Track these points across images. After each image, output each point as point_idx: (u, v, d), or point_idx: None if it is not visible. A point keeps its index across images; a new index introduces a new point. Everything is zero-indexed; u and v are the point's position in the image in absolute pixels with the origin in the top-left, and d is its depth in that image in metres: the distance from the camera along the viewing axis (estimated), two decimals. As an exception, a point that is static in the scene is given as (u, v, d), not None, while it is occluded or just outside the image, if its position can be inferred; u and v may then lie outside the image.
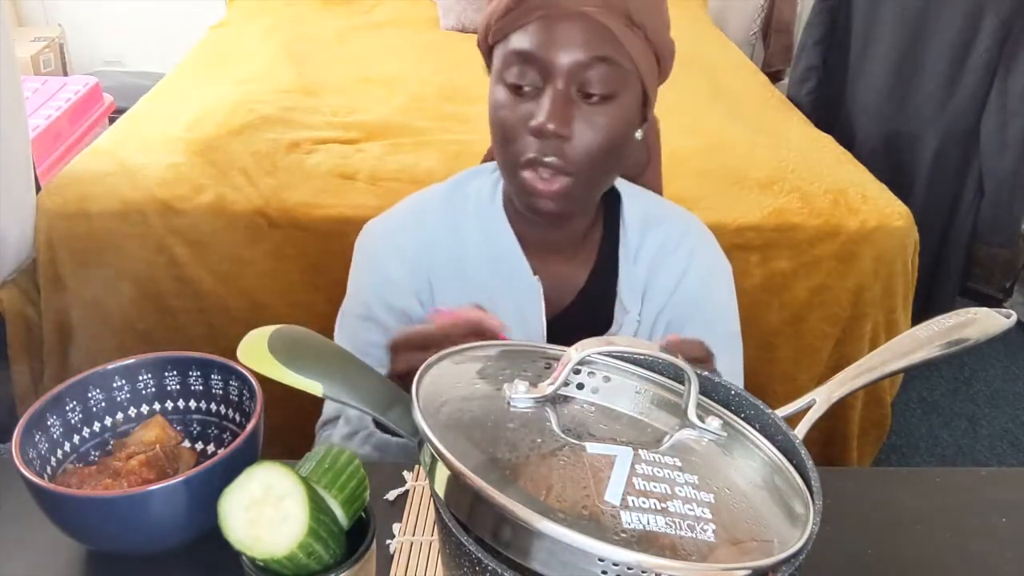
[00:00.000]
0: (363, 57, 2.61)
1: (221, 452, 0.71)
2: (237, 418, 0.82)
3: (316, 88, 2.33)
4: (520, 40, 0.83)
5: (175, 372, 0.82)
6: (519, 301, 0.95)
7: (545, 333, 0.96)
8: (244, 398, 0.80)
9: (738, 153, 2.07)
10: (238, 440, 0.71)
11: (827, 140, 2.22)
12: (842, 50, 2.66)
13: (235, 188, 1.76)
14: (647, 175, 1.08)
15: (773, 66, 3.37)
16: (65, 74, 3.30)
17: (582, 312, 0.98)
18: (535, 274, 0.95)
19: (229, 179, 1.80)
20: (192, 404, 0.83)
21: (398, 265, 0.97)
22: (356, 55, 2.63)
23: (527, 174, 0.85)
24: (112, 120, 2.48)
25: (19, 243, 1.65)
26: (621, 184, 1.01)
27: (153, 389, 0.82)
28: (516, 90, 0.84)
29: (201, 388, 0.83)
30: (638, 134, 0.91)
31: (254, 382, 0.77)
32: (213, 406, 0.83)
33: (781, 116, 2.38)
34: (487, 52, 0.91)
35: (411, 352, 0.76)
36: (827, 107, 2.69)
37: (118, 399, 0.81)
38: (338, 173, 1.86)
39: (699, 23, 3.19)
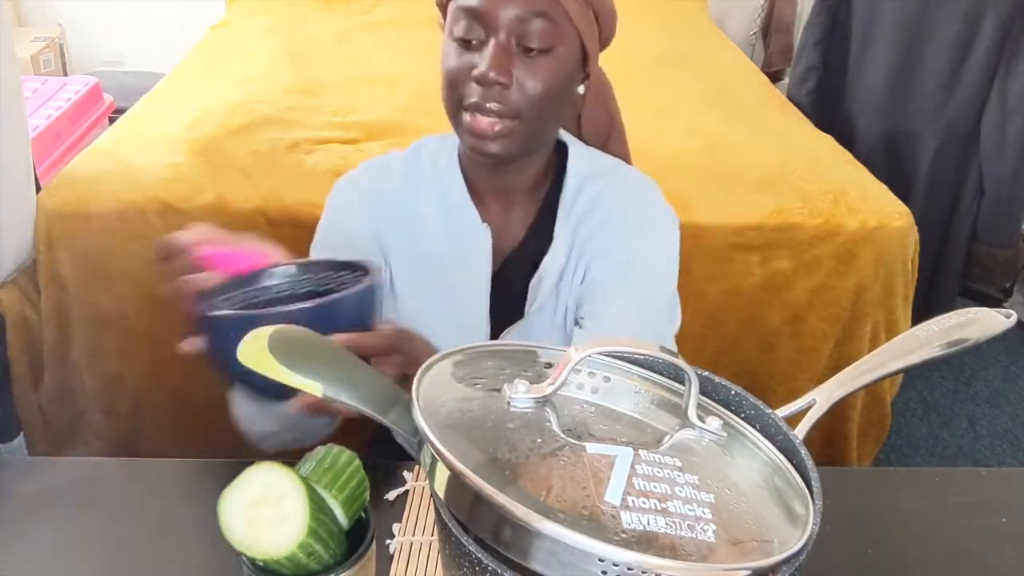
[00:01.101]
0: (363, 57, 2.61)
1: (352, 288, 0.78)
2: None
3: (316, 88, 2.33)
4: None
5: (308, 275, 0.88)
6: (467, 248, 1.01)
7: (489, 279, 1.01)
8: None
9: (738, 153, 2.07)
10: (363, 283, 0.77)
11: (827, 140, 2.22)
12: (842, 50, 2.65)
13: (235, 188, 1.76)
14: (612, 143, 1.13)
15: (773, 66, 3.37)
16: (65, 74, 3.30)
17: (522, 260, 1.03)
18: (484, 222, 1.01)
19: (229, 179, 1.79)
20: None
21: (354, 199, 1.06)
22: (356, 55, 2.63)
23: (469, 116, 0.92)
24: (112, 120, 2.48)
25: (19, 243, 1.65)
26: (572, 141, 1.06)
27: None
28: (463, 43, 0.92)
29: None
30: (580, 89, 0.99)
31: (369, 265, 0.83)
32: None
33: (781, 116, 2.38)
34: (443, 11, 0.98)
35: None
36: (827, 107, 2.69)
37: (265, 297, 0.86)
38: (338, 173, 1.84)
39: (699, 23, 3.19)
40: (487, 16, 0.89)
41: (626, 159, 1.14)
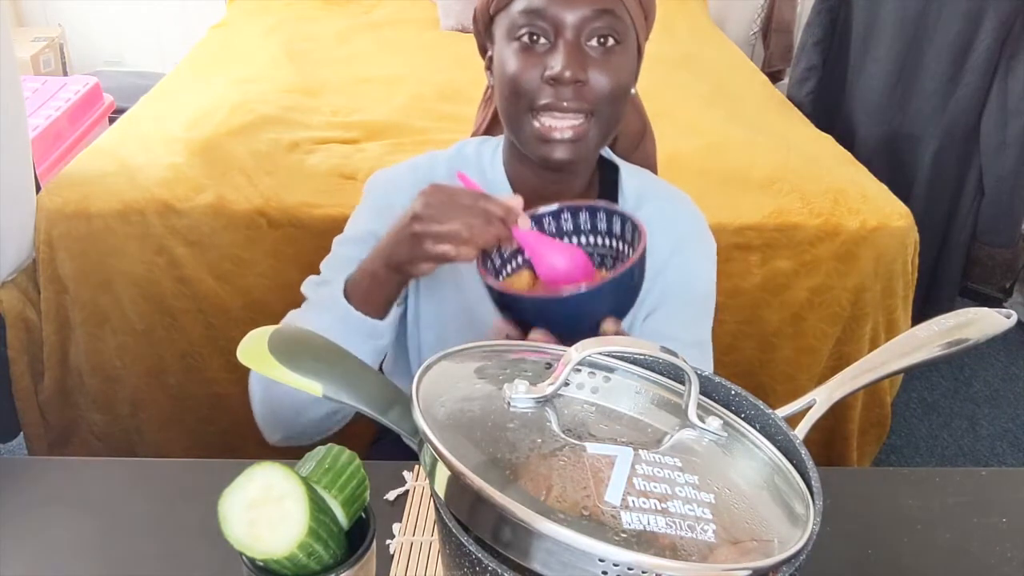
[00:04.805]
0: (363, 57, 2.61)
1: (619, 267, 0.80)
2: (626, 249, 0.85)
3: (316, 88, 2.33)
4: (530, 0, 0.89)
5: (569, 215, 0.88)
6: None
7: None
8: (626, 231, 0.84)
9: (738, 153, 2.07)
10: (633, 257, 0.77)
11: (827, 140, 2.22)
12: (842, 50, 2.66)
13: (235, 188, 1.76)
14: (644, 146, 1.13)
15: (773, 66, 3.37)
16: (65, 74, 3.30)
17: None
18: None
19: (229, 179, 1.79)
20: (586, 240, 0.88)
21: (396, 197, 1.01)
22: (356, 55, 2.63)
23: (541, 120, 0.91)
24: (112, 120, 2.48)
25: (19, 243, 1.65)
26: (617, 159, 1.06)
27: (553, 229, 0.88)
28: (528, 47, 0.90)
29: (590, 227, 0.87)
30: (633, 89, 0.99)
31: (637, 220, 0.82)
32: (602, 240, 0.87)
33: (781, 116, 2.38)
34: (487, 24, 0.96)
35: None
36: (827, 107, 2.69)
37: None
38: (338, 173, 1.86)
39: (699, 23, 3.19)
40: (554, 17, 0.88)
41: (655, 159, 1.16)
